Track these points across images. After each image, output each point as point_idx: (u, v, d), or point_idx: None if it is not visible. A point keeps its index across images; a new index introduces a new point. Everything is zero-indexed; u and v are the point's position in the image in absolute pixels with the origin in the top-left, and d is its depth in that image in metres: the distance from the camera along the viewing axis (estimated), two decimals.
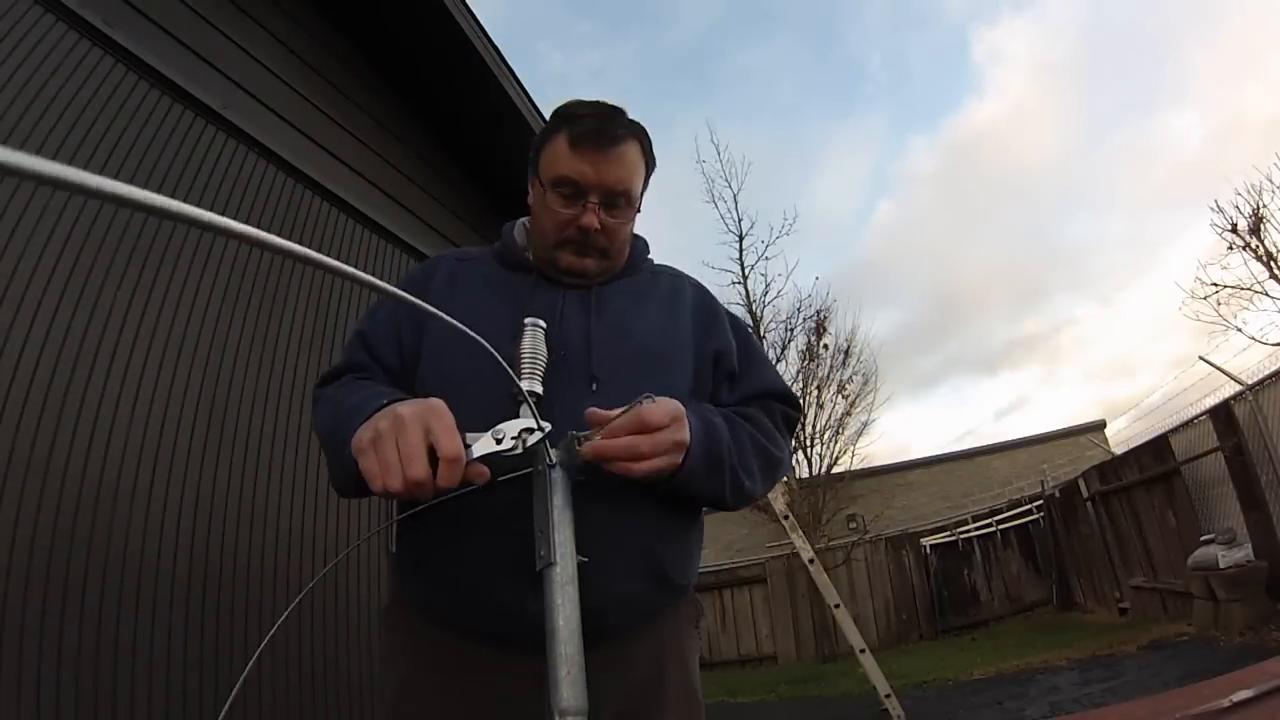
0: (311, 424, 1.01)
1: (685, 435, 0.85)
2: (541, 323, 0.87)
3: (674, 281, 1.12)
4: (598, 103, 1.02)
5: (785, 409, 1.11)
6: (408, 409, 0.75)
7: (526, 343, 0.85)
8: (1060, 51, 27.98)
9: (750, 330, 1.16)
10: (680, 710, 0.94)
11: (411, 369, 0.98)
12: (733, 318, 1.15)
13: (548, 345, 0.88)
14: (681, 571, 0.97)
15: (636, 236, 1.13)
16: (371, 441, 0.75)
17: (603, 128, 0.98)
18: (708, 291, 1.17)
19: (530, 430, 0.75)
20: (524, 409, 0.76)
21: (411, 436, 0.72)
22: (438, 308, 0.95)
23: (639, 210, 1.06)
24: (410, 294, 0.99)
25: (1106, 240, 24.77)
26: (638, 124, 1.03)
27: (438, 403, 0.76)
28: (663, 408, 0.81)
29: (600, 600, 0.82)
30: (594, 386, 0.92)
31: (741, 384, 1.08)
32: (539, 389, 0.82)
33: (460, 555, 0.88)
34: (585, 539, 0.79)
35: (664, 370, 0.98)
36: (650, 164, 1.06)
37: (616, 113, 1.02)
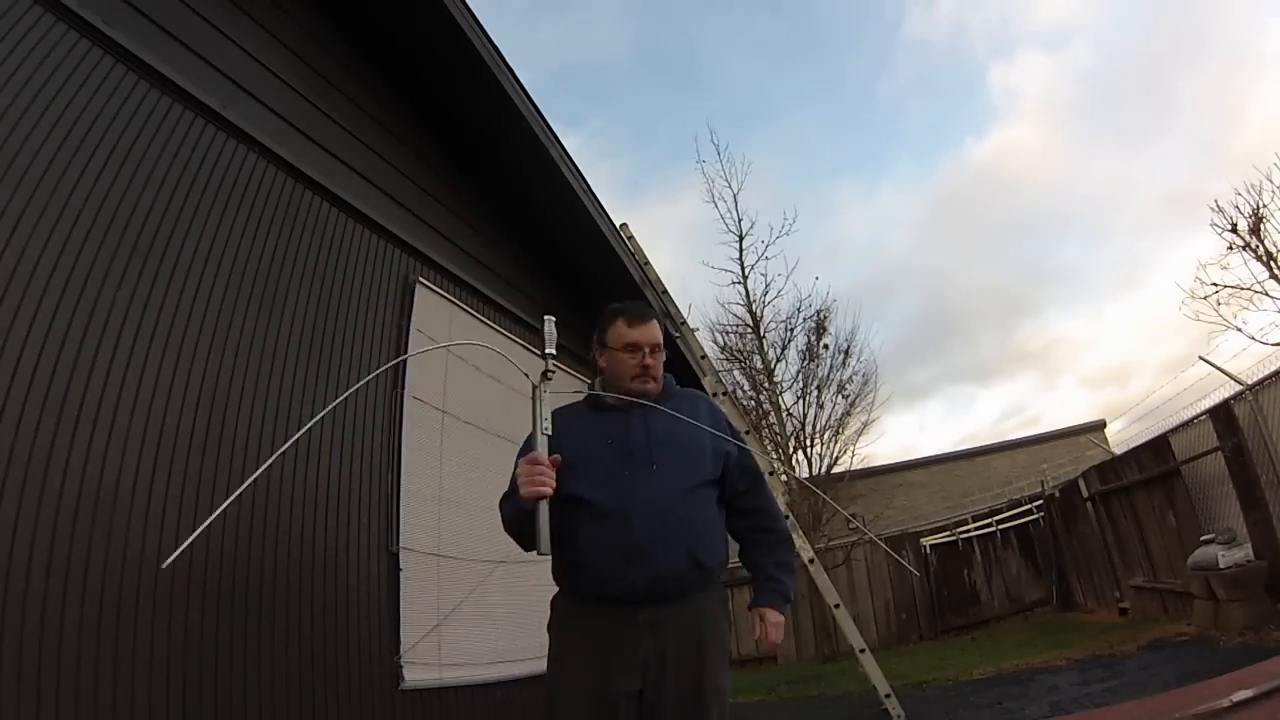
0: (504, 521, 1.71)
1: (782, 620, 1.78)
2: (553, 317, 1.65)
3: (694, 401, 1.80)
4: (634, 301, 1.86)
5: (765, 490, 1.86)
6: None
7: (548, 329, 1.62)
8: (1065, 87, 28.22)
9: (733, 426, 1.86)
10: (713, 658, 1.60)
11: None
12: (729, 423, 1.81)
13: (628, 445, 1.66)
14: (709, 556, 1.64)
15: (668, 374, 1.81)
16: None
17: (642, 312, 1.79)
18: (714, 403, 1.88)
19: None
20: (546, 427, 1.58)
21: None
22: (565, 436, 1.62)
23: (665, 353, 1.80)
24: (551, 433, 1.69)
25: (1099, 257, 25.11)
26: (655, 309, 1.79)
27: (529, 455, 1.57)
28: (774, 631, 1.75)
29: (662, 571, 1.56)
30: (654, 467, 1.64)
31: (747, 497, 1.81)
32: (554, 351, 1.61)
33: (582, 552, 1.60)
34: (649, 536, 1.55)
35: (694, 459, 1.68)
36: (664, 329, 1.82)
37: (645, 304, 1.90)
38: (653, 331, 1.76)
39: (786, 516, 5.28)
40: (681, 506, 1.59)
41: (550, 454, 1.56)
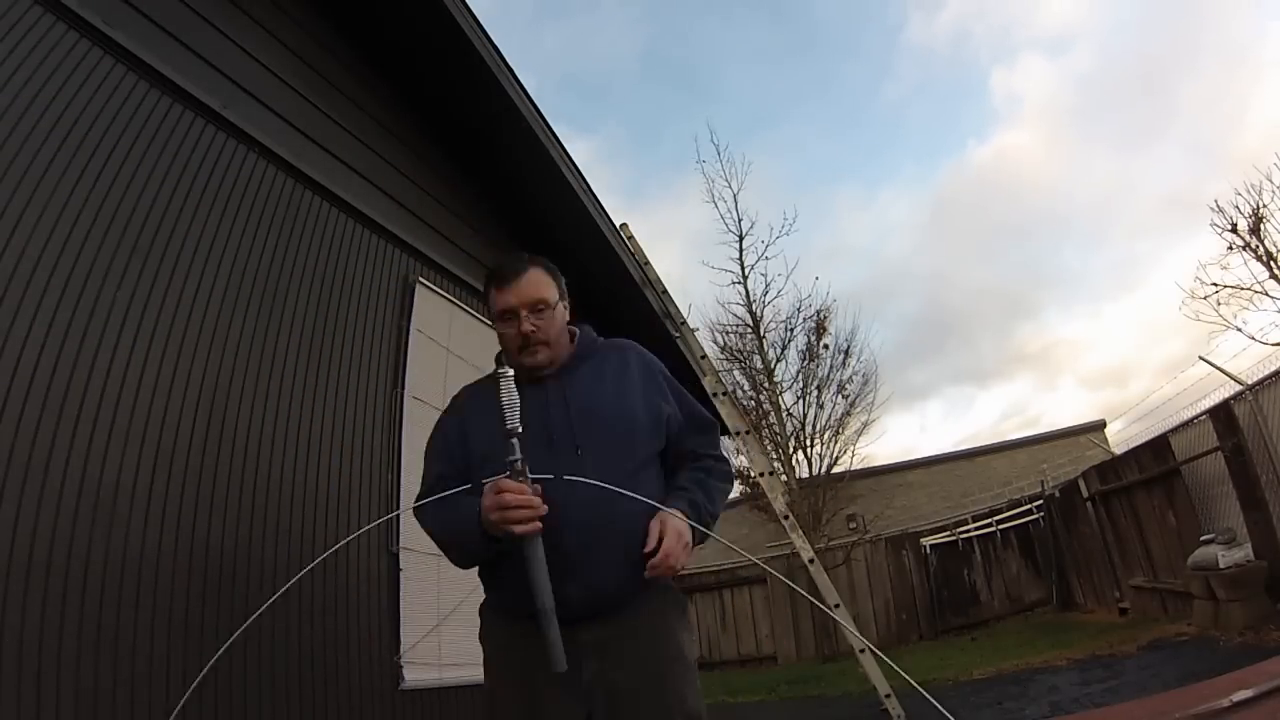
0: (427, 527, 1.51)
1: (687, 538, 1.34)
2: (510, 372, 1.29)
3: (620, 356, 1.52)
4: (511, 255, 1.50)
5: (714, 437, 1.55)
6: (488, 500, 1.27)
7: (504, 395, 1.26)
8: (1066, 91, 28.26)
9: (671, 379, 1.57)
10: (679, 681, 1.35)
11: (464, 461, 1.44)
12: (665, 376, 1.54)
13: (545, 429, 1.36)
14: None
15: (582, 326, 1.54)
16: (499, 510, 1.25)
17: (512, 267, 1.43)
18: (645, 354, 1.56)
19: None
20: (513, 442, 1.24)
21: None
22: (472, 420, 1.47)
23: (567, 305, 1.48)
24: (460, 415, 1.52)
25: (1099, 258, 25.19)
26: (537, 256, 1.49)
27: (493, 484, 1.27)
28: (674, 540, 1.30)
29: (599, 583, 1.30)
30: (579, 452, 1.35)
31: (689, 429, 1.51)
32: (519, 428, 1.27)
33: (502, 565, 1.36)
34: (583, 543, 1.28)
35: (626, 430, 1.41)
36: (557, 277, 1.48)
37: (517, 255, 1.48)
38: (528, 288, 1.40)
39: (786, 517, 5.28)
40: (619, 501, 1.27)
41: (464, 442, 1.41)
